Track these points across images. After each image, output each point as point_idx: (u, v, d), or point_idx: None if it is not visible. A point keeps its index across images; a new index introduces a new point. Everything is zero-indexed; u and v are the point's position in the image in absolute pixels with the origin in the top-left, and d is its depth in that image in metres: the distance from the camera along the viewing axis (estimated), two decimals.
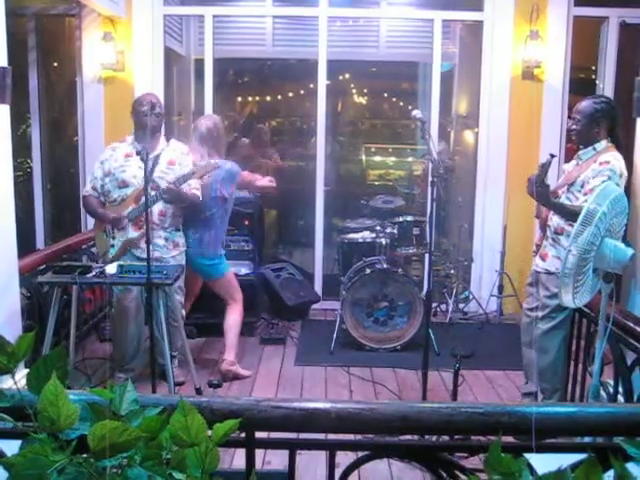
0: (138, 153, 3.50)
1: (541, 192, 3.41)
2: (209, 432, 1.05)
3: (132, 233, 4.07)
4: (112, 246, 4.14)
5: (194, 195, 4.13)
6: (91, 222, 5.65)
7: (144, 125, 3.98)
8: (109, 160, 4.18)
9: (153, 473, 0.96)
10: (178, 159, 4.18)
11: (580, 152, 3.59)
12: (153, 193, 3.95)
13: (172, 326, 4.08)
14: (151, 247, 3.82)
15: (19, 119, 6.62)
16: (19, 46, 6.05)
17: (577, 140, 3.62)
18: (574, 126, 3.57)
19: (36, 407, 1.02)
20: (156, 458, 0.97)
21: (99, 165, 4.22)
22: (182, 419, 0.98)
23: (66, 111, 6.54)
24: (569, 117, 3.81)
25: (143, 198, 3.63)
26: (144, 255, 3.64)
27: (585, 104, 3.56)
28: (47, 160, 6.43)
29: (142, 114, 4.06)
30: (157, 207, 4.06)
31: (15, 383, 1.15)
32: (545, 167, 3.41)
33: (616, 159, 3.41)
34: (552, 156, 3.44)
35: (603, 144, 3.49)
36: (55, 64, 6.77)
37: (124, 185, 4.09)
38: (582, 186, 3.45)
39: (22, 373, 1.19)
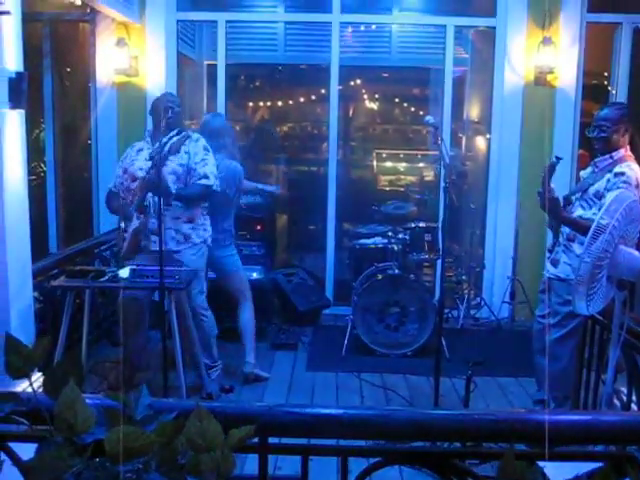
0: (151, 157, 3.50)
1: (552, 206, 3.39)
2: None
3: (135, 222, 3.95)
4: (123, 240, 4.11)
5: (198, 186, 4.04)
6: (104, 226, 5.70)
7: (159, 122, 3.96)
8: (126, 158, 4.22)
9: (169, 478, 0.96)
10: (184, 147, 4.06)
11: (597, 159, 3.57)
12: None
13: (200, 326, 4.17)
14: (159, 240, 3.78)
15: (33, 123, 6.65)
16: (34, 51, 6.09)
17: (602, 148, 3.54)
18: (602, 134, 3.50)
19: (52, 411, 1.02)
20: (172, 463, 0.98)
21: (120, 163, 4.28)
22: (198, 424, 0.98)
23: (80, 116, 6.58)
24: (586, 123, 3.77)
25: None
26: (155, 247, 3.66)
27: (610, 111, 3.51)
28: (60, 164, 6.47)
29: (159, 112, 3.97)
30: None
31: (31, 385, 1.16)
32: (550, 169, 3.39)
33: (631, 169, 3.38)
34: (558, 159, 3.40)
35: (621, 152, 3.46)
36: (69, 69, 6.81)
37: (134, 179, 4.06)
38: (595, 195, 3.43)
39: (35, 377, 1.20)
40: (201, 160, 4.07)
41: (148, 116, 4.28)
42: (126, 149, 4.35)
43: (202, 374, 4.17)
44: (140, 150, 4.15)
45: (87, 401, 1.05)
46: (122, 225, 4.02)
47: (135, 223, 3.92)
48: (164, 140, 3.90)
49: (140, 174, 4.00)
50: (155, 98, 4.30)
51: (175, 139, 4.03)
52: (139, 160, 4.09)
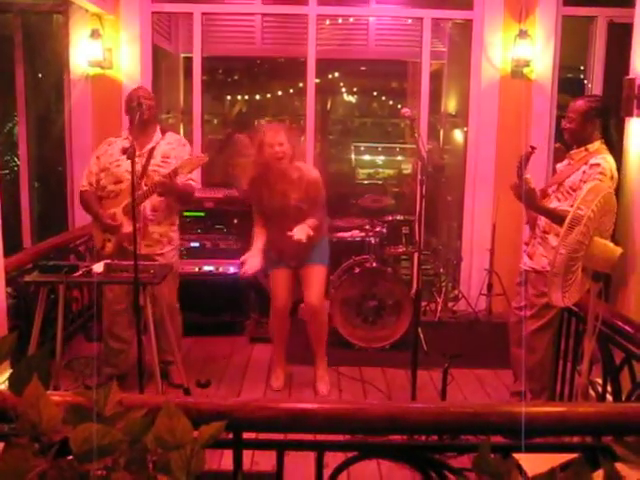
0: (125, 151, 3.44)
1: (528, 197, 3.41)
2: (195, 433, 1.03)
3: (127, 228, 3.95)
4: (109, 240, 4.07)
5: (188, 186, 4.11)
6: (79, 221, 5.64)
7: (134, 119, 3.93)
8: (105, 155, 4.13)
9: (138, 476, 0.94)
10: (174, 152, 4.12)
11: (572, 152, 3.59)
12: (146, 188, 3.92)
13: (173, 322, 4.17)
14: (144, 243, 3.91)
15: (5, 116, 6.57)
16: (5, 43, 6.00)
17: (570, 139, 3.60)
18: (568, 124, 3.56)
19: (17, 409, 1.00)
20: (141, 461, 0.96)
21: (95, 160, 4.17)
22: (167, 421, 0.96)
23: (53, 109, 6.49)
24: (561, 116, 3.80)
25: (137, 192, 3.64)
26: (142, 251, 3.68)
27: (579, 103, 3.55)
28: (34, 158, 6.37)
29: (132, 109, 3.99)
30: (150, 202, 4.00)
31: None
32: (525, 159, 3.42)
33: (607, 161, 3.40)
34: (532, 148, 3.43)
35: (596, 145, 3.48)
36: (42, 61, 6.72)
37: (119, 181, 4.03)
38: (571, 187, 3.45)
39: (7, 374, 1.17)
40: None
41: (123, 109, 4.21)
42: (101, 145, 4.27)
43: (179, 369, 4.14)
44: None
45: (54, 398, 1.03)
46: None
47: (127, 229, 3.92)
48: (151, 145, 4.05)
49: (129, 176, 3.92)
50: (127, 95, 4.23)
51: (164, 146, 4.11)
52: (126, 162, 3.98)
